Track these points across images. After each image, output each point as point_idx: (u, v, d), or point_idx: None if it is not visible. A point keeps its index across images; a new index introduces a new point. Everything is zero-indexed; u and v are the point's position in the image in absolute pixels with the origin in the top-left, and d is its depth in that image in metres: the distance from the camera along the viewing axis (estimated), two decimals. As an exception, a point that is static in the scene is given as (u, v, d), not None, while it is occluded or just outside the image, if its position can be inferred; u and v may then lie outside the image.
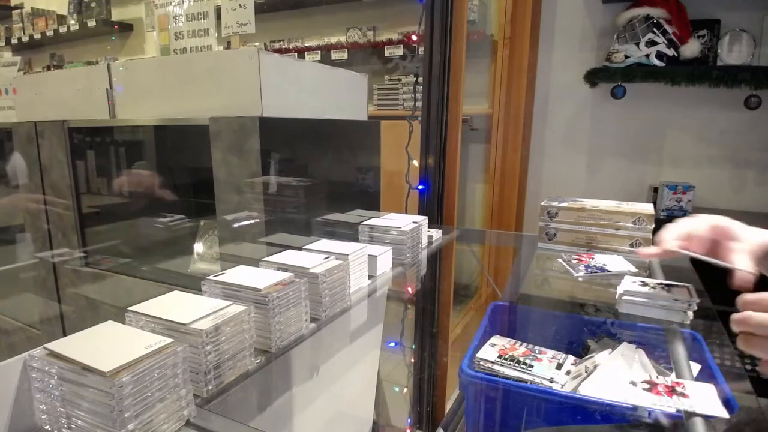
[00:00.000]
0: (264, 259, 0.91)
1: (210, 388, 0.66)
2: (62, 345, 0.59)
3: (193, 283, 0.89)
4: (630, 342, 1.19)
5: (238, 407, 0.73)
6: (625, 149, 2.72)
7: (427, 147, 1.74)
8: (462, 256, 2.79)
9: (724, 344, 1.14)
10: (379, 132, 1.67)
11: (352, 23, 3.37)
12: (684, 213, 2.21)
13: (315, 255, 0.93)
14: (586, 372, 1.11)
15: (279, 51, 3.47)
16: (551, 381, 1.06)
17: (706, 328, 1.03)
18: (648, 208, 1.31)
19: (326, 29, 3.49)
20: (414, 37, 2.78)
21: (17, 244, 1.79)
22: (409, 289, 1.68)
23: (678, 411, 0.81)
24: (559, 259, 1.28)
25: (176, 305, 0.71)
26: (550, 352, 1.18)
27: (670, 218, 2.24)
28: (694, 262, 1.32)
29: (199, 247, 1.47)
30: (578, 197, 1.48)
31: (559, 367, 1.11)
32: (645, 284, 0.97)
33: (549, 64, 2.86)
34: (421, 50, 1.71)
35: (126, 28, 3.80)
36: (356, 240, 1.22)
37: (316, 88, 1.36)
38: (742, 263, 0.70)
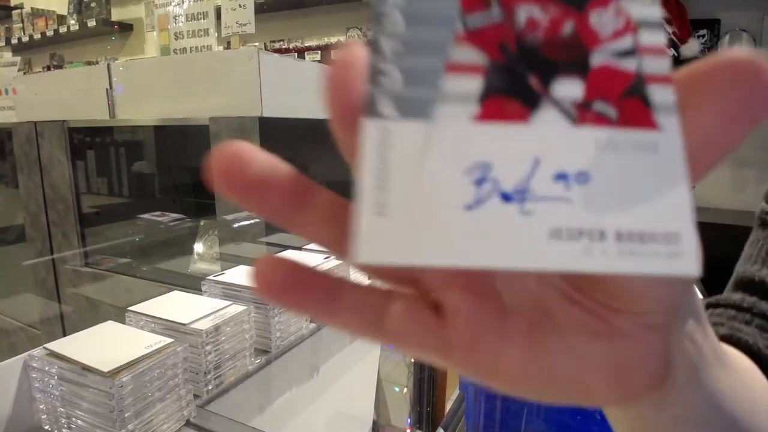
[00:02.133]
0: (264, 259, 0.90)
1: (210, 388, 0.66)
2: (62, 345, 0.59)
3: (193, 283, 0.89)
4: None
5: (238, 407, 0.73)
6: (625, 149, 2.72)
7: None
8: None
9: (725, 344, 1.14)
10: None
11: (352, 23, 3.38)
12: (684, 213, 2.21)
13: (315, 255, 0.93)
14: (587, 372, 1.11)
15: (279, 51, 3.47)
16: (551, 381, 1.06)
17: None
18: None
19: (326, 29, 3.49)
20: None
21: (18, 244, 1.79)
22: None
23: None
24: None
25: (176, 305, 0.71)
26: (551, 352, 1.18)
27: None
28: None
29: (199, 247, 1.47)
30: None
31: (559, 367, 1.11)
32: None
33: (549, 63, 2.86)
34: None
35: (126, 28, 3.81)
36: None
37: (316, 88, 1.36)
38: None
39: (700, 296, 0.17)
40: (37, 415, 0.60)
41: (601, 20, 0.13)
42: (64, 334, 0.61)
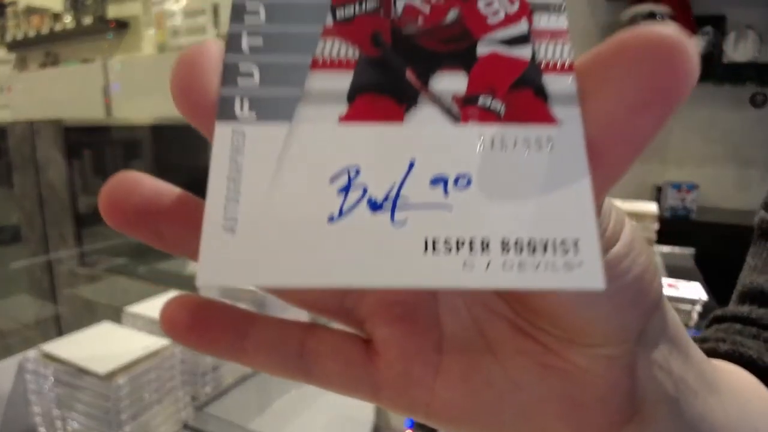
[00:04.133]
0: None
1: (208, 390, 0.65)
2: (58, 346, 0.58)
3: (190, 284, 0.88)
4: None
5: (237, 409, 0.72)
6: (624, 148, 2.72)
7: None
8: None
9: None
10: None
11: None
12: (688, 212, 2.21)
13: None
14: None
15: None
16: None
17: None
18: (651, 208, 1.30)
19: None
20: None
21: (14, 244, 1.78)
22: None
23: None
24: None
25: (174, 305, 0.70)
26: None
27: (674, 217, 2.23)
28: (698, 261, 1.31)
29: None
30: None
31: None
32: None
33: (548, 62, 2.85)
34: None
35: (122, 25, 3.79)
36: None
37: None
38: None
39: (676, 316, 0.15)
40: (32, 418, 0.59)
41: (491, 5, 0.12)
42: (60, 336, 0.60)
